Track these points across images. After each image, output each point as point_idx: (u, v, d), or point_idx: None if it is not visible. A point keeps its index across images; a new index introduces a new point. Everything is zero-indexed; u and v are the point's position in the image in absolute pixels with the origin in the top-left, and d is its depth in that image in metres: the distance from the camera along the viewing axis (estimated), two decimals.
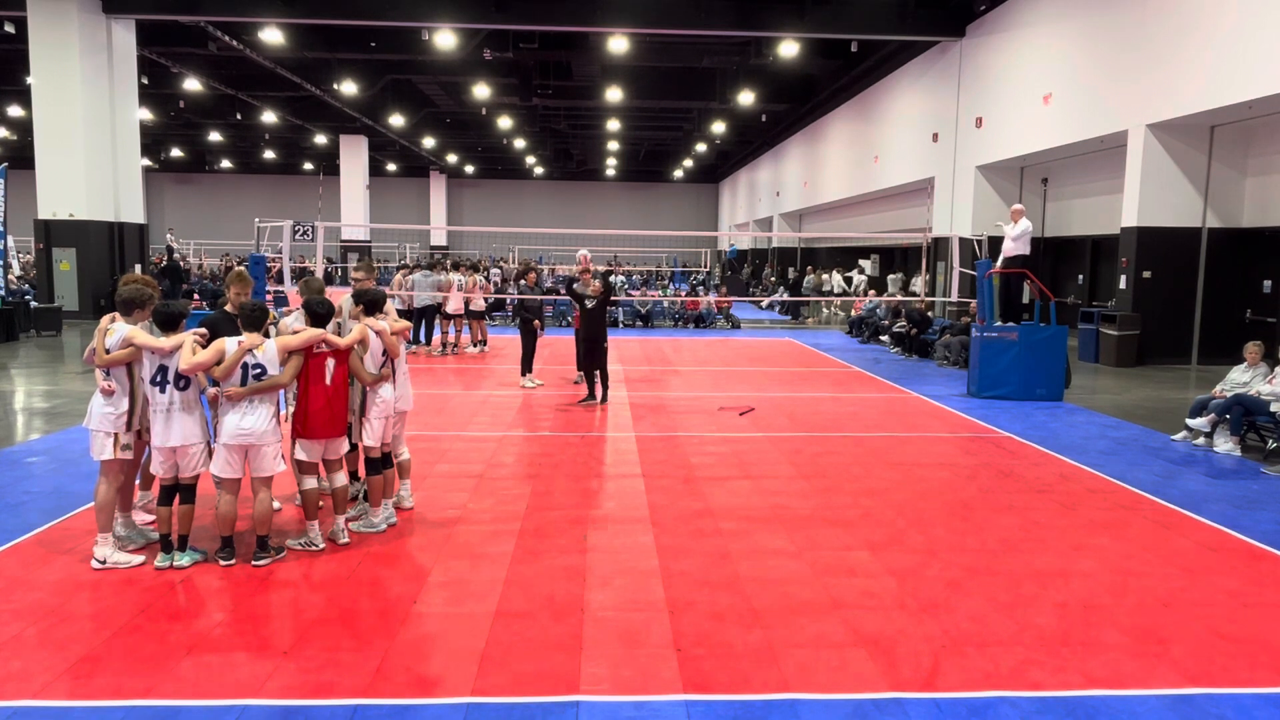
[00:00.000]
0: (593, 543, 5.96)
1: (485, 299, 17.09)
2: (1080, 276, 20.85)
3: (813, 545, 5.98)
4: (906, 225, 26.50)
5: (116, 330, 5.38)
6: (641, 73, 28.47)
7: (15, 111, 33.73)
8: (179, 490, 5.43)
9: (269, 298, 17.95)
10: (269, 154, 50.34)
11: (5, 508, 6.55)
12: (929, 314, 18.30)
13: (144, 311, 5.49)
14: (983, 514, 6.76)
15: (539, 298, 13.76)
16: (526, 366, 12.58)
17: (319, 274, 17.33)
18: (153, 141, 45.17)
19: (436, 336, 16.75)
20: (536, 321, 12.78)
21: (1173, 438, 9.59)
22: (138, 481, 6.03)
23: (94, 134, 20.99)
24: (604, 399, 11.27)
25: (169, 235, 39.79)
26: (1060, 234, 20.41)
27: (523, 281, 14.12)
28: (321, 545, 5.70)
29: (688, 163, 51.98)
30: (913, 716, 3.82)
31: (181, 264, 29.04)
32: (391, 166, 53.27)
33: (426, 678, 4.10)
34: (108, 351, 5.34)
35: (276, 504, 6.21)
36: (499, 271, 28.77)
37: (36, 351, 15.82)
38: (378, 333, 5.98)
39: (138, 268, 22.19)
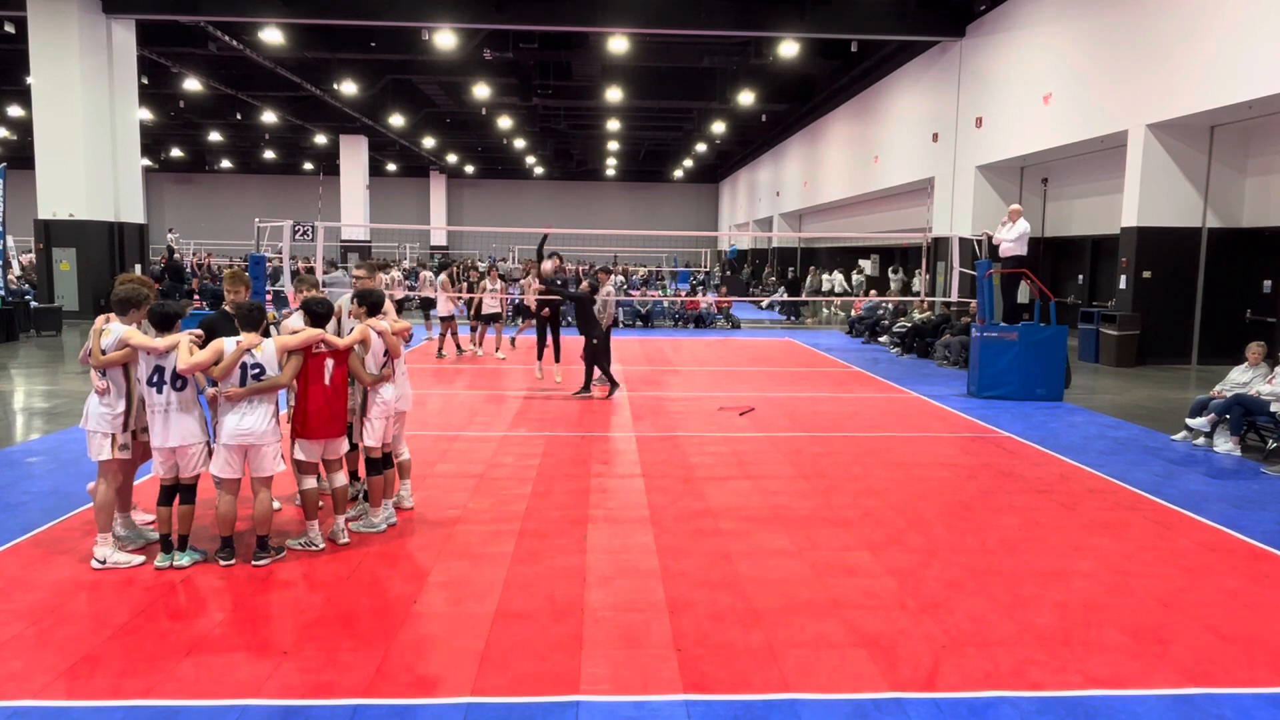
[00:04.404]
0: (593, 543, 5.96)
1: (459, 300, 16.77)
2: (1080, 276, 20.84)
3: (813, 545, 5.98)
4: (906, 225, 26.50)
5: (112, 330, 5.36)
6: (641, 73, 28.47)
7: (15, 111, 33.75)
8: (179, 490, 5.42)
9: (269, 297, 17.94)
10: (269, 154, 50.35)
11: (5, 508, 6.55)
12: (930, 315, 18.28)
13: (139, 311, 5.47)
14: (983, 514, 6.76)
15: (554, 298, 13.74)
16: (540, 355, 13.38)
17: (318, 273, 17.24)
18: (153, 141, 45.18)
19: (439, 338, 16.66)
20: (548, 322, 13.22)
21: (1173, 438, 9.59)
22: (135, 483, 6.02)
23: (94, 134, 20.99)
24: (584, 389, 11.81)
25: (170, 235, 39.75)
26: (1060, 234, 20.40)
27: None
28: (321, 545, 5.70)
29: (688, 163, 51.99)
30: (913, 716, 3.82)
31: (180, 261, 28.94)
32: (391, 166, 53.27)
33: (426, 678, 4.10)
34: (104, 352, 5.33)
35: (276, 504, 6.21)
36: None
37: (36, 351, 15.81)
38: (379, 333, 5.98)
39: (138, 268, 22.19)
